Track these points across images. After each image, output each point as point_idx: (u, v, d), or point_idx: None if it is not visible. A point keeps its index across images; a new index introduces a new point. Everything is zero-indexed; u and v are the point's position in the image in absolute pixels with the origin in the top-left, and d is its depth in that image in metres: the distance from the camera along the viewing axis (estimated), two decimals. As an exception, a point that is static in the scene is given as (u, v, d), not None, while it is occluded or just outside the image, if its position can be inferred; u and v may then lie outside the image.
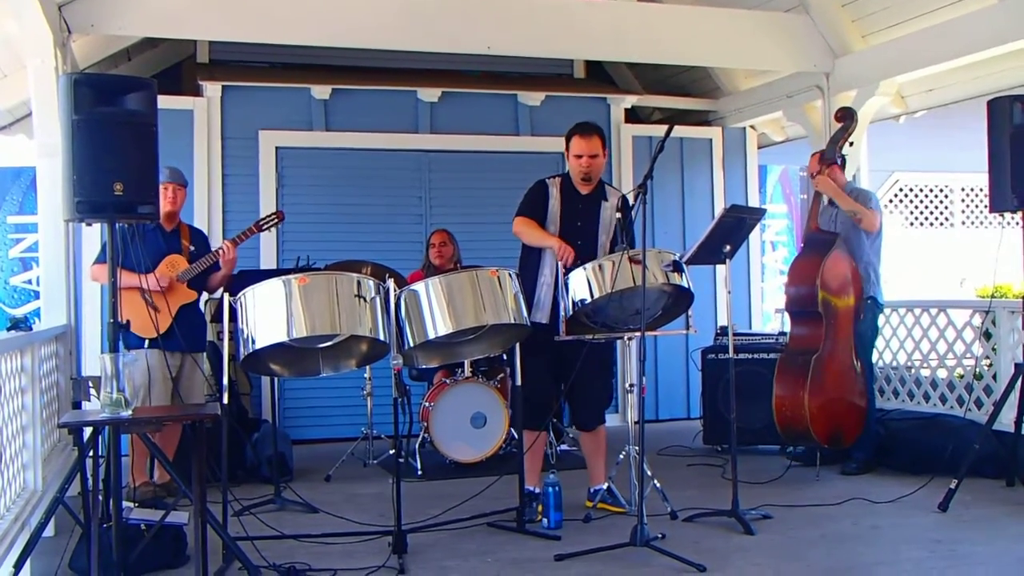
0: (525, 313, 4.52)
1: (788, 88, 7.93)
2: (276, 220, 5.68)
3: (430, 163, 8.02)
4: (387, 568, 4.09)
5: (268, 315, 4.05)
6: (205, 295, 5.74)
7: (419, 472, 6.12)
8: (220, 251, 5.47)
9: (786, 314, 6.03)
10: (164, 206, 5.39)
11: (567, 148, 5.04)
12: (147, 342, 5.17)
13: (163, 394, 5.22)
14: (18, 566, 3.57)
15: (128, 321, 4.88)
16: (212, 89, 7.52)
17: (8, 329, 4.59)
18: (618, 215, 4.95)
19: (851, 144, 6.13)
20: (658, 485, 5.02)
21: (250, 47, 7.77)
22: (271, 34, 6.60)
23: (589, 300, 4.60)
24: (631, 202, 4.91)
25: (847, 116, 5.98)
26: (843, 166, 6.04)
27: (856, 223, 5.82)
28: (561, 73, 8.87)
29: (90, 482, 3.87)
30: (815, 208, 5.96)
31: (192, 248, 5.57)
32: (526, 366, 4.77)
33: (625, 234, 4.83)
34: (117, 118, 3.78)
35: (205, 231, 7.20)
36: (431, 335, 4.26)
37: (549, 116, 8.20)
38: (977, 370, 6.15)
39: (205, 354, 6.06)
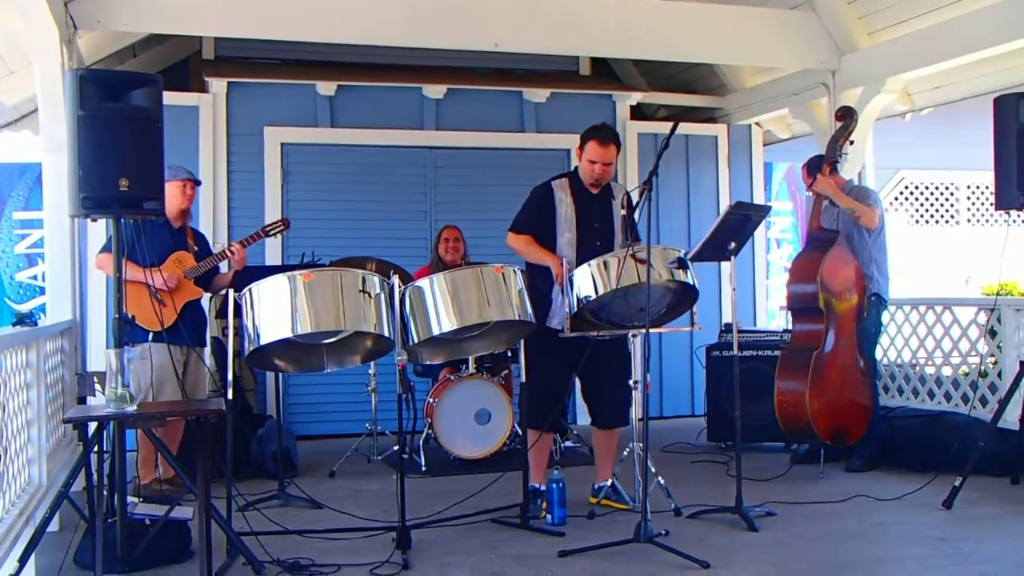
0: (530, 310, 4.51)
1: (794, 85, 7.91)
2: (282, 227, 5.75)
3: (435, 160, 8.02)
4: (391, 564, 4.09)
5: (273, 311, 4.05)
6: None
7: (423, 468, 6.12)
8: (230, 252, 5.50)
9: (789, 312, 6.03)
10: (183, 203, 5.49)
11: (581, 148, 4.98)
12: (151, 335, 5.17)
13: (173, 391, 5.23)
14: (23, 560, 3.58)
15: (132, 315, 4.91)
16: (218, 85, 7.52)
17: (13, 324, 4.59)
18: (622, 212, 4.94)
19: (851, 143, 6.14)
20: (662, 482, 5.02)
21: (256, 43, 7.77)
22: (277, 30, 6.60)
23: (594, 297, 4.59)
24: (636, 199, 4.90)
25: (847, 115, 6.01)
26: (837, 168, 6.03)
27: (856, 220, 5.83)
28: (567, 70, 8.86)
29: (95, 477, 3.88)
30: (817, 207, 6.00)
31: (196, 249, 5.59)
32: (538, 365, 4.77)
33: (631, 231, 4.84)
34: (123, 114, 3.79)
35: (211, 227, 7.25)
36: (435, 331, 4.26)
37: (555, 113, 8.22)
38: (982, 368, 6.14)
39: (209, 349, 6.07)
